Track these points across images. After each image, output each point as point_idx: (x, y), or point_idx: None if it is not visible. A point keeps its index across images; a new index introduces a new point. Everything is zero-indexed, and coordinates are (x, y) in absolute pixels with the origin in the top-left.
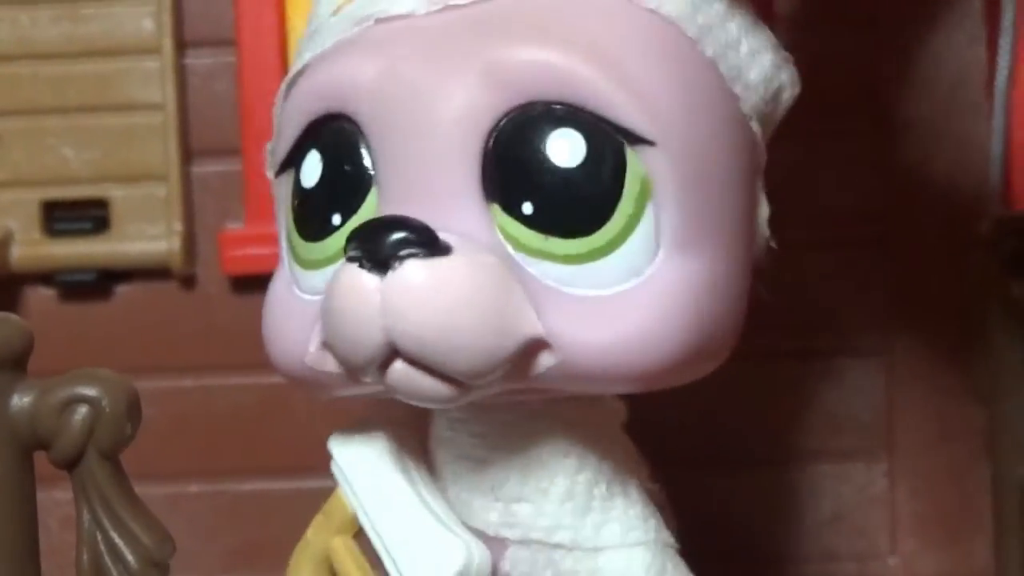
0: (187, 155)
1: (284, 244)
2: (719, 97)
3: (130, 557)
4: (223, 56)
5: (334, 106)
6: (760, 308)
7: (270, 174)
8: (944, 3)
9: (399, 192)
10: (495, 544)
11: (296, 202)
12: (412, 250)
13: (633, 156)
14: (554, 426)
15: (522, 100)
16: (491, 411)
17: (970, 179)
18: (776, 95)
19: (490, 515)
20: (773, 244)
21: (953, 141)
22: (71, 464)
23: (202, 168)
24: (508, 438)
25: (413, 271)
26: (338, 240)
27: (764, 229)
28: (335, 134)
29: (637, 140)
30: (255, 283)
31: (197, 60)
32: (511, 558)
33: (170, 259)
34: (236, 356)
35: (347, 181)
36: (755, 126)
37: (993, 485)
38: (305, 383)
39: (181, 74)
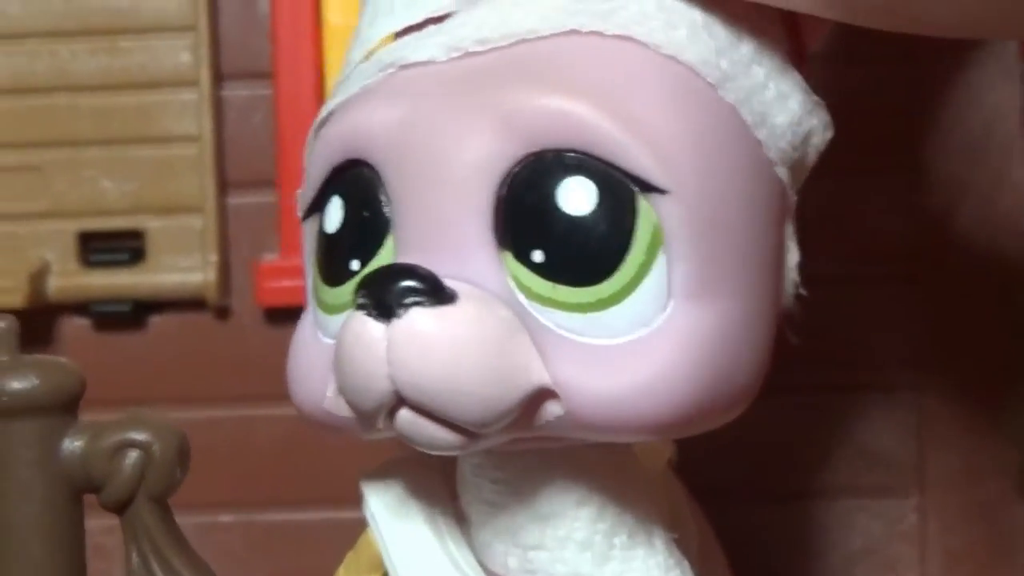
0: (223, 187)
1: (310, 288)
2: (739, 144)
3: None
4: (259, 89)
5: (355, 152)
6: (793, 343)
7: (300, 215)
8: (978, 39)
9: (414, 239)
10: None
11: (320, 247)
12: (417, 298)
13: (645, 204)
14: (574, 473)
15: (536, 148)
16: (510, 457)
17: (1005, 215)
18: (805, 139)
19: (509, 560)
20: (802, 291)
21: (988, 177)
22: (121, 508)
23: (238, 200)
24: (527, 485)
25: (418, 319)
26: (354, 286)
27: (793, 275)
28: (355, 180)
29: (650, 188)
30: (289, 315)
31: (234, 93)
32: None
33: (205, 290)
34: (270, 387)
35: (366, 227)
36: (781, 171)
37: None
38: (325, 427)
39: (218, 106)
